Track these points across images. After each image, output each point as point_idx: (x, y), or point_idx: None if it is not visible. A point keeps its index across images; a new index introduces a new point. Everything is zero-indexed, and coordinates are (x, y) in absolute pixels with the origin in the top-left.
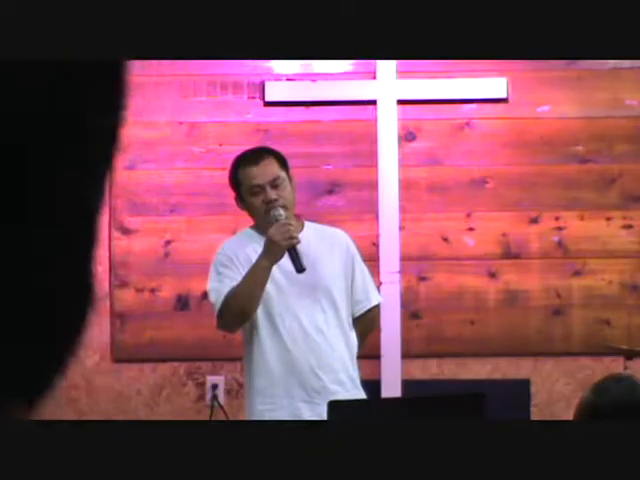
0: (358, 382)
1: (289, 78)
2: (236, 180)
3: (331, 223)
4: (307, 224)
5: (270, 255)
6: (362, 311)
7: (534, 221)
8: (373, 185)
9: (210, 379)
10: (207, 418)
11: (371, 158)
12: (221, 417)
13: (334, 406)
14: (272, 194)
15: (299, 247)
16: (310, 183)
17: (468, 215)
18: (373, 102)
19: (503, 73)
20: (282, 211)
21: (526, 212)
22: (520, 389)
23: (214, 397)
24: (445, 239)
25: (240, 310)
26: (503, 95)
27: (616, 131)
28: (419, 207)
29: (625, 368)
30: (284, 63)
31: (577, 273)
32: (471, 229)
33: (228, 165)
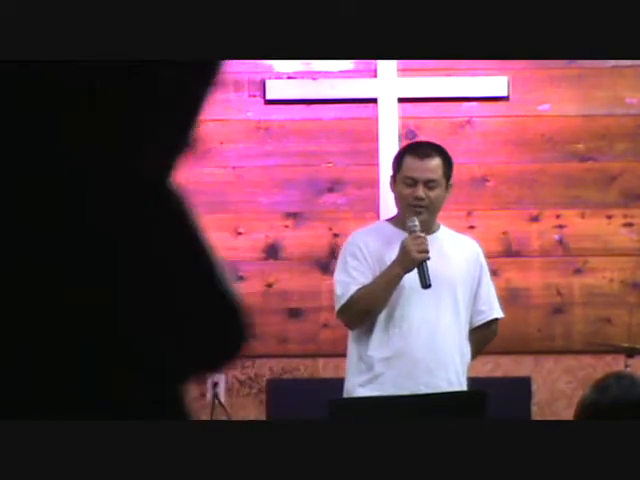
0: (464, 384)
1: (290, 76)
2: (398, 163)
3: (332, 221)
4: (442, 227)
5: (403, 265)
6: (483, 321)
7: (535, 219)
8: (374, 183)
9: (211, 377)
10: (208, 416)
11: (372, 156)
12: (222, 415)
13: (334, 405)
14: (421, 192)
15: (428, 263)
16: (311, 181)
17: (469, 213)
18: (374, 100)
19: (504, 71)
20: (417, 222)
21: (527, 210)
22: (521, 387)
23: (215, 395)
24: None
25: (365, 312)
26: (504, 93)
27: (617, 129)
28: None
29: (626, 366)
30: (285, 61)
31: (578, 271)
32: (472, 227)
33: (229, 163)
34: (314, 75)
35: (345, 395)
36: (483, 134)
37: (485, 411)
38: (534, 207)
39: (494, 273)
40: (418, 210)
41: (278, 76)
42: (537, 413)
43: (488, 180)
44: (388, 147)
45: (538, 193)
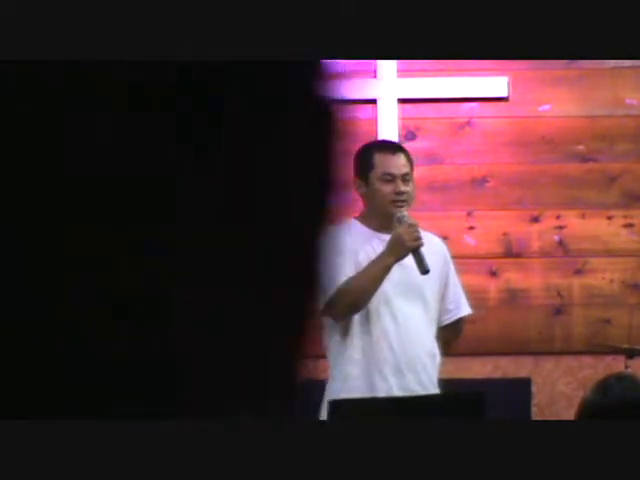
0: (436, 385)
1: None
2: (368, 162)
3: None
4: None
5: (395, 253)
6: (451, 319)
7: (535, 220)
8: None
9: None
10: None
11: None
12: None
13: (334, 405)
14: (402, 186)
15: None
16: None
17: (469, 214)
18: (373, 101)
19: (504, 72)
20: (406, 213)
21: (527, 211)
22: (521, 388)
23: None
24: (446, 238)
25: (354, 303)
26: (504, 94)
27: (617, 130)
28: (419, 206)
29: (626, 367)
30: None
31: (578, 272)
32: (472, 228)
33: None
34: None
35: (326, 398)
36: (483, 135)
37: (483, 412)
38: (534, 208)
39: (494, 274)
40: (400, 205)
41: None
42: (537, 414)
43: (488, 181)
44: None
45: (538, 194)
